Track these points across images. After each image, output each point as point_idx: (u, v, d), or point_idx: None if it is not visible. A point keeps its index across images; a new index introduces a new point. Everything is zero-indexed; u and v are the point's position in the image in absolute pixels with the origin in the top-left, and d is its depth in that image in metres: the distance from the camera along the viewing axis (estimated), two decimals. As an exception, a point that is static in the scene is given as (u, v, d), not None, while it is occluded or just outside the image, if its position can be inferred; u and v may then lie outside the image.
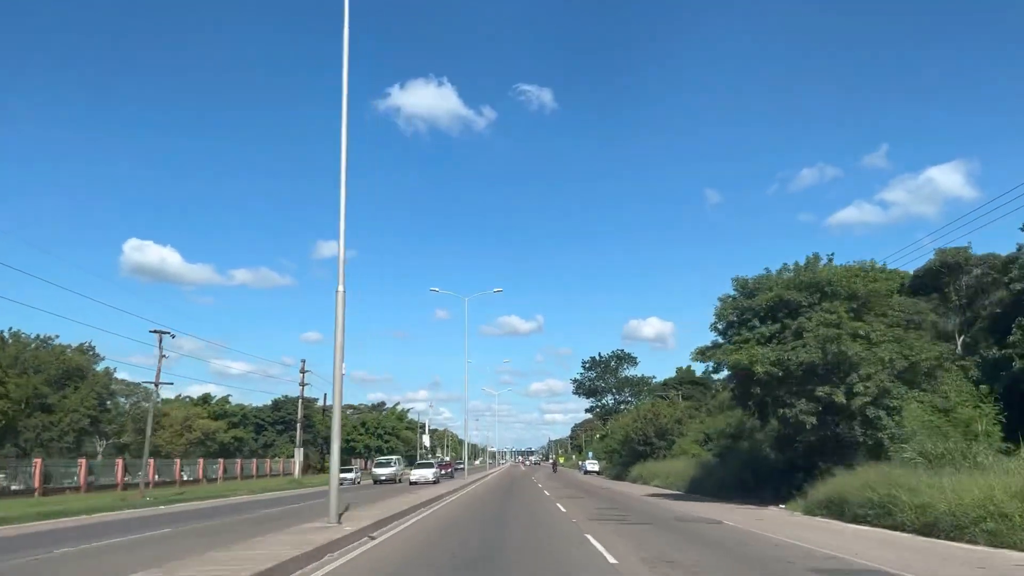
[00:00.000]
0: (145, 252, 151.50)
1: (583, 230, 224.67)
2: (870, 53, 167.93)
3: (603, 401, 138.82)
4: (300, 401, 69.29)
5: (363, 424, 79.51)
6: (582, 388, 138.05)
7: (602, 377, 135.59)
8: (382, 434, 78.96)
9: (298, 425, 68.92)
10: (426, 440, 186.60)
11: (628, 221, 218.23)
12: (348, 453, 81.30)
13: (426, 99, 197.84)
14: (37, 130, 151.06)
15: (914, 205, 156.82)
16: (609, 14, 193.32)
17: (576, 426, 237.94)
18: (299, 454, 68.27)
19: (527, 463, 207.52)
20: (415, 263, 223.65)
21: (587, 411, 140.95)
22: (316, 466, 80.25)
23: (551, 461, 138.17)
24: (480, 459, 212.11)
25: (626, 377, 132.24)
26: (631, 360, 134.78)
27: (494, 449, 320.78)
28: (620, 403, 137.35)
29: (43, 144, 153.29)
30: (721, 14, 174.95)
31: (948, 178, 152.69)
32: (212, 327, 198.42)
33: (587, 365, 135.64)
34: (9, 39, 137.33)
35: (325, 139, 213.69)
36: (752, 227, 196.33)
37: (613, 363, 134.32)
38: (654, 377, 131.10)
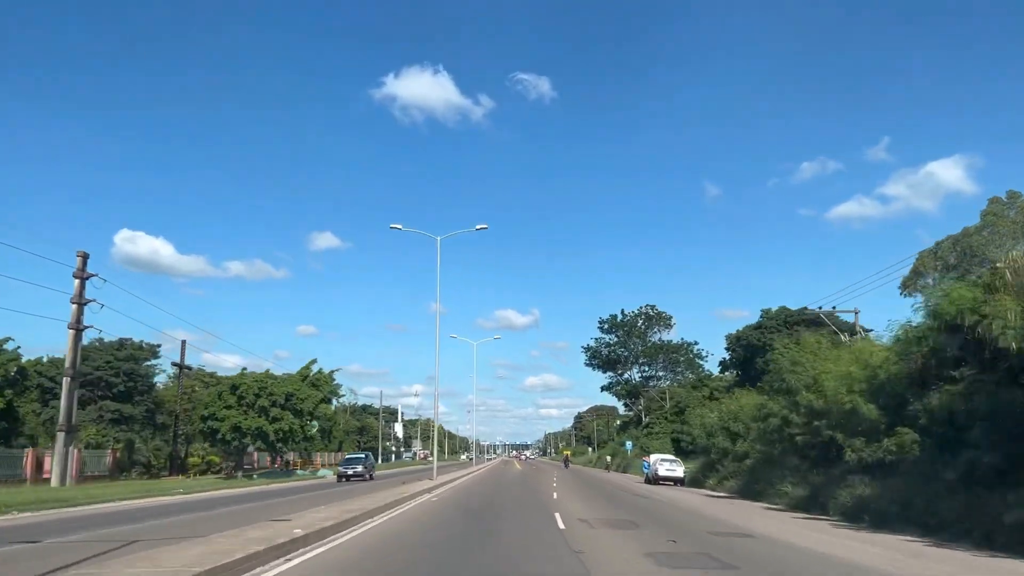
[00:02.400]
0: (137, 243, 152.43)
1: (581, 222, 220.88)
2: (872, 45, 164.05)
3: (625, 375, 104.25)
4: (72, 340, 35.09)
5: (233, 390, 44.52)
6: (597, 357, 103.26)
7: (625, 343, 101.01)
8: (267, 408, 43.97)
9: (63, 383, 34.50)
10: (398, 430, 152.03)
11: (626, 213, 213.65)
12: (211, 440, 46.32)
13: (422, 88, 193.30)
14: (29, 119, 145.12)
15: (915, 200, 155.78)
16: (608, 4, 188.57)
17: (581, 415, 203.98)
18: (60, 443, 33.90)
19: (523, 458, 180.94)
20: (410, 255, 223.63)
21: (604, 388, 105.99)
22: (152, 464, 45.35)
23: (563, 457, 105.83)
24: (467, 454, 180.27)
25: (659, 343, 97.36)
26: (663, 321, 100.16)
27: (485, 443, 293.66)
28: (649, 378, 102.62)
29: (35, 134, 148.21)
30: (722, 4, 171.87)
31: (949, 172, 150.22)
32: (204, 319, 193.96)
33: (605, 326, 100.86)
34: (4, 29, 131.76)
35: (319, 131, 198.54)
36: (751, 221, 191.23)
37: (640, 323, 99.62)
38: (696, 343, 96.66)
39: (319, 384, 52.52)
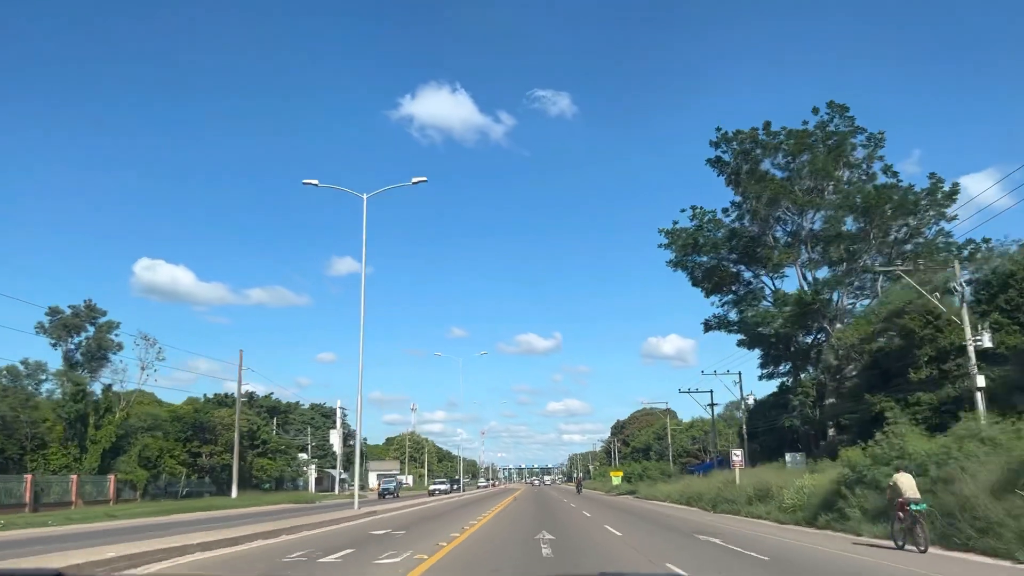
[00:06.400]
0: (157, 271, 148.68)
1: (602, 243, 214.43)
2: (904, 56, 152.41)
3: (763, 295, 46.11)
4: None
5: None
6: (696, 247, 41.49)
7: (773, 204, 41.54)
8: None
9: None
10: (335, 441, 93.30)
11: (648, 234, 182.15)
12: None
13: (441, 107, 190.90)
14: (43, 142, 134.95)
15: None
16: (626, 18, 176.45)
17: (622, 423, 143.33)
18: None
19: (536, 483, 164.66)
20: (431, 279, 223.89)
21: (708, 326, 46.44)
22: None
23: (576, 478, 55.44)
24: (469, 478, 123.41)
25: (888, 183, 37.47)
26: (865, 154, 40.88)
27: (498, 468, 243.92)
28: (830, 289, 41.36)
29: (50, 160, 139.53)
30: (744, 16, 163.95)
31: (982, 186, 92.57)
32: (227, 348, 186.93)
33: (728, 156, 41.96)
34: (16, 49, 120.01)
35: (337, 154, 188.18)
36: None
37: (814, 144, 41.07)
38: (942, 181, 37.48)
39: None
